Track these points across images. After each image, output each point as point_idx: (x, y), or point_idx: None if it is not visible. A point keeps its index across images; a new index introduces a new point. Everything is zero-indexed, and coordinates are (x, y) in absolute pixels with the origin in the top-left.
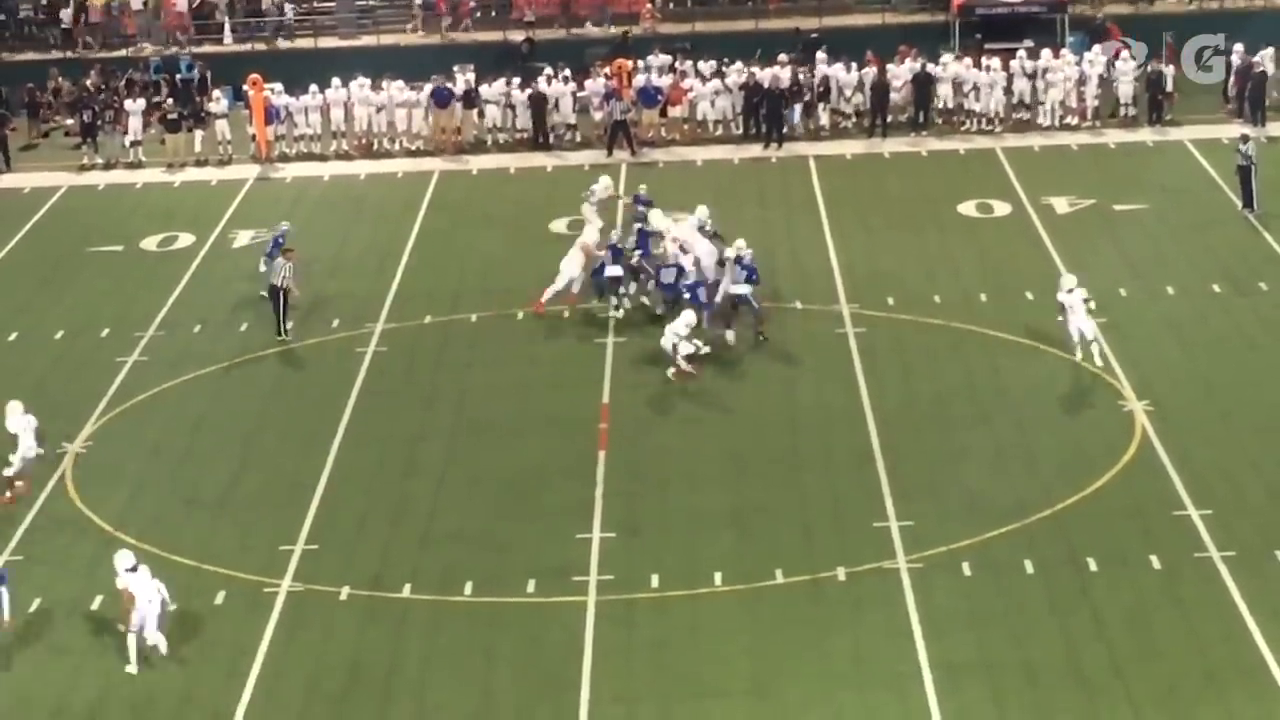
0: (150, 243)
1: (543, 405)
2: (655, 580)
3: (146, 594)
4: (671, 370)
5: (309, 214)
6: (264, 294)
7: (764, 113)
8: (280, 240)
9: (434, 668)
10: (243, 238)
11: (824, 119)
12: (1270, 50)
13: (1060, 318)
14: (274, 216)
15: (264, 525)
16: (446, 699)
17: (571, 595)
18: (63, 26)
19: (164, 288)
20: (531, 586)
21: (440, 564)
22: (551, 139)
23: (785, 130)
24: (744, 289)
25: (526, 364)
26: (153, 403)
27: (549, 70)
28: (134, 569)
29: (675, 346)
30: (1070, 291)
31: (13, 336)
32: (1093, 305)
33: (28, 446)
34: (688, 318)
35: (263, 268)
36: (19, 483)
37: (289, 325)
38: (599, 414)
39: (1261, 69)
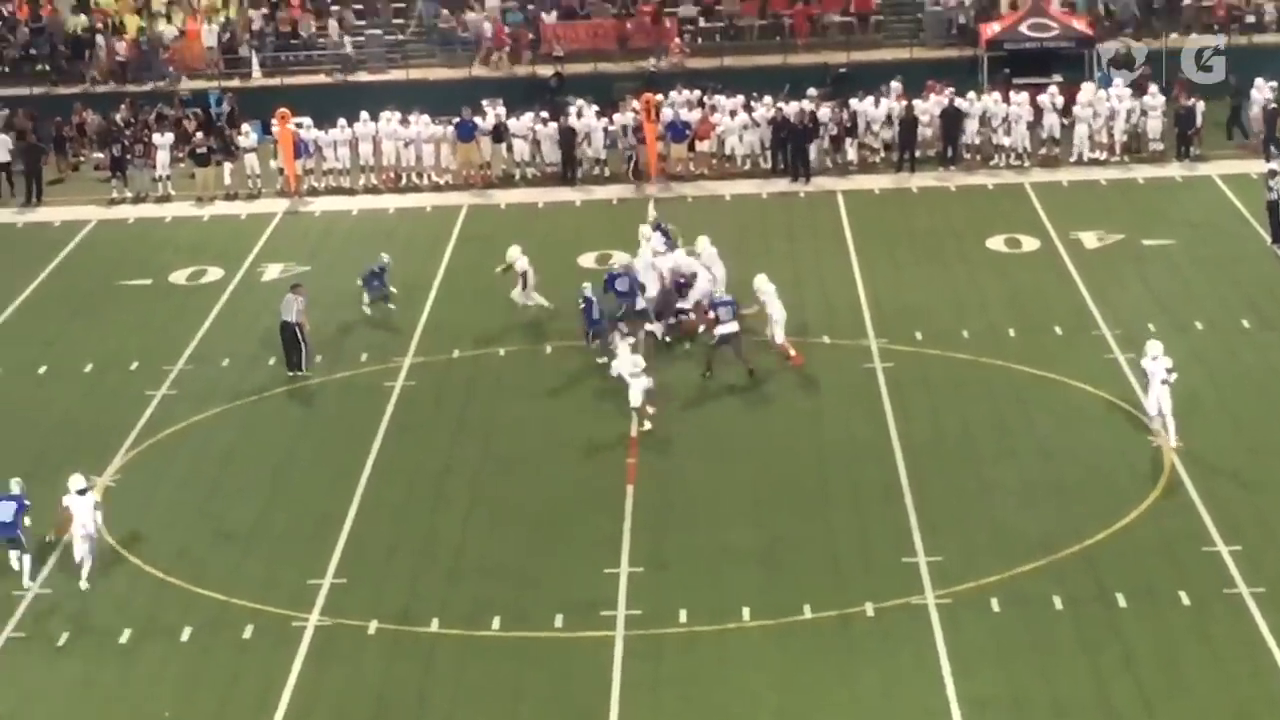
0: (179, 276)
1: (571, 439)
2: (683, 615)
3: (82, 518)
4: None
5: (337, 248)
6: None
7: (791, 148)
8: (379, 270)
9: (462, 703)
10: (271, 271)
11: (851, 154)
12: (1274, 83)
13: (1144, 386)
14: (303, 250)
15: (292, 559)
16: None
17: (599, 630)
18: (120, 59)
19: (193, 321)
20: (559, 621)
21: (468, 598)
22: (580, 174)
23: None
24: (732, 327)
25: (554, 398)
26: (181, 436)
27: (578, 104)
28: (82, 492)
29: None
30: (1154, 359)
31: (42, 369)
32: (1174, 378)
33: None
34: (627, 351)
35: (365, 299)
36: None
37: (317, 359)
38: (627, 448)
39: (1274, 105)
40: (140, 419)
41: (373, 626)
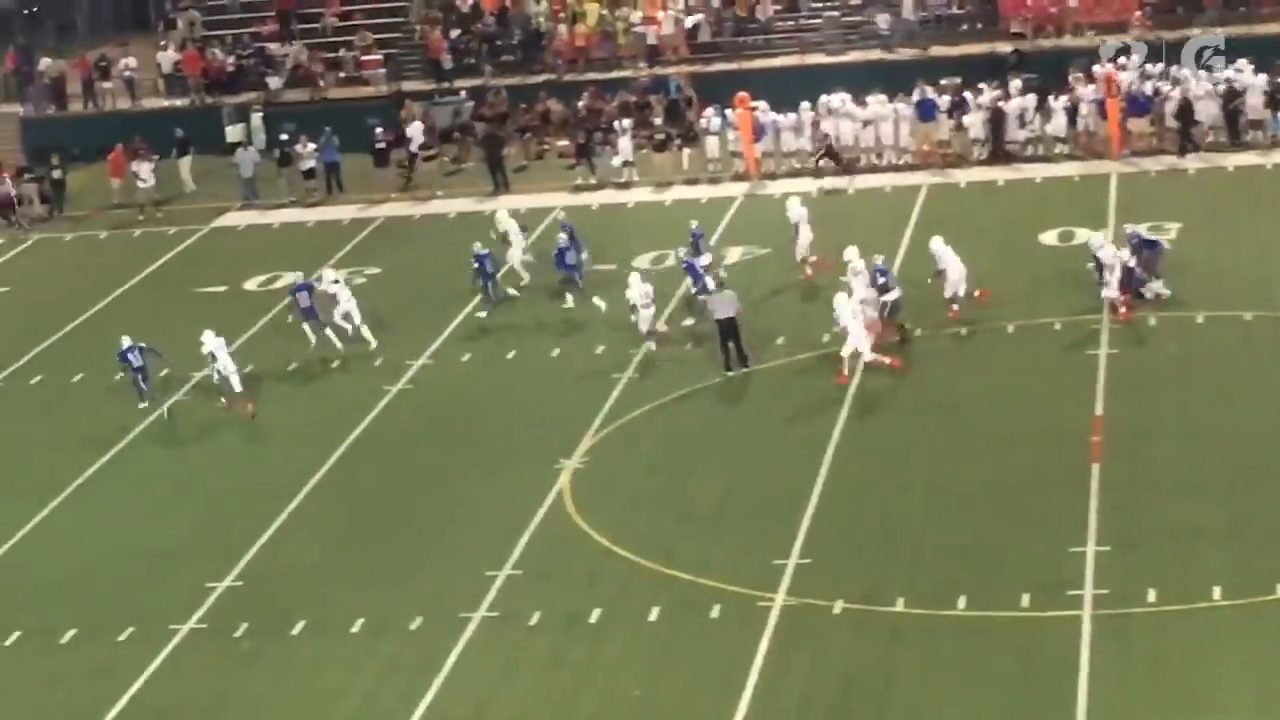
0: (643, 261)
1: (1034, 417)
2: (1152, 594)
3: (345, 294)
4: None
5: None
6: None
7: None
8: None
9: (928, 683)
10: (732, 255)
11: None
12: None
13: None
14: (762, 234)
15: (757, 539)
16: (940, 714)
17: (1066, 610)
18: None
19: (657, 305)
20: (1026, 600)
21: (933, 578)
22: (1028, 151)
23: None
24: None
25: (1018, 375)
26: (647, 419)
27: (1017, 82)
28: (336, 281)
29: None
30: None
31: (511, 354)
32: None
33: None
34: (638, 280)
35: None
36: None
37: (779, 340)
38: (1092, 426)
39: None
40: (607, 402)
41: (838, 606)
